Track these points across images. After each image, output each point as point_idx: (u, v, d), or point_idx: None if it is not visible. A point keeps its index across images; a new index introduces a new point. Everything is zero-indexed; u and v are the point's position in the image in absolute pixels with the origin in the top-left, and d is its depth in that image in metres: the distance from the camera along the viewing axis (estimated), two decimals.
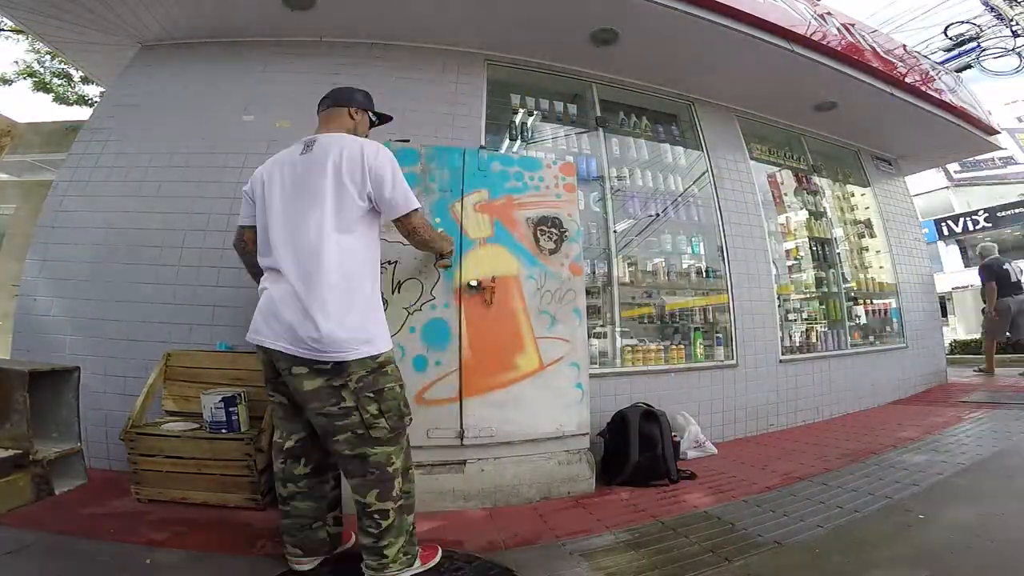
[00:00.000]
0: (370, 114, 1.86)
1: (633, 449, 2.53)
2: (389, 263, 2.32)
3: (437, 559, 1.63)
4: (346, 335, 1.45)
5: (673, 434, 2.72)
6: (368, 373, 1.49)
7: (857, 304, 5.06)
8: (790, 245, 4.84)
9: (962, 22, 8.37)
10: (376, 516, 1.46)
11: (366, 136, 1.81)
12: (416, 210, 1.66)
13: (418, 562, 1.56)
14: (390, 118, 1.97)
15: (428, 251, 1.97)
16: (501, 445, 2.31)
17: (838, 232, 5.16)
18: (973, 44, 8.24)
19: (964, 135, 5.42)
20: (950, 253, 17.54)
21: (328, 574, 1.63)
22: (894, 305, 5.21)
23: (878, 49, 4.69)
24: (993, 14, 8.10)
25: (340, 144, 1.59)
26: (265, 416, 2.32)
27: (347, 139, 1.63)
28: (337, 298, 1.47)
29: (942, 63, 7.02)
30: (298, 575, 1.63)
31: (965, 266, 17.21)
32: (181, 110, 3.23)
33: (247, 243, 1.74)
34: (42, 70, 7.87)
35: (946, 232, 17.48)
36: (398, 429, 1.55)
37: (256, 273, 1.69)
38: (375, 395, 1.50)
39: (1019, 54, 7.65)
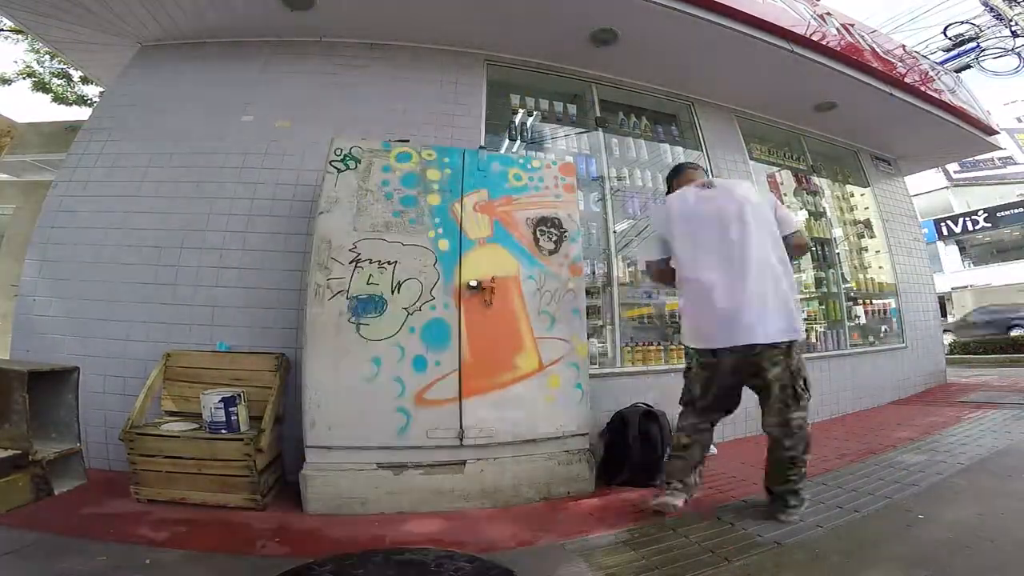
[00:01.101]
0: None
1: (633, 449, 2.53)
2: (388, 263, 2.32)
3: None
4: (797, 321, 1.98)
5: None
6: (799, 353, 1.98)
7: (856, 304, 5.06)
8: None
9: (961, 22, 8.38)
10: (802, 466, 1.95)
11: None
12: (797, 231, 2.20)
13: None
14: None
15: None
16: (501, 445, 2.31)
17: (838, 232, 5.16)
18: (972, 44, 8.24)
19: (963, 135, 5.43)
20: (949, 253, 17.58)
21: None
22: (893, 305, 5.21)
23: (877, 49, 4.69)
24: (992, 14, 8.11)
25: (739, 186, 2.23)
26: (265, 416, 2.32)
27: (737, 183, 2.32)
28: (785, 296, 1.98)
29: (941, 63, 7.03)
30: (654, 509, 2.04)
31: (964, 266, 17.26)
32: (180, 110, 3.23)
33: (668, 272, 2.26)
34: (41, 70, 7.86)
35: (945, 232, 17.52)
36: (809, 398, 1.99)
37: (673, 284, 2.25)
38: (803, 369, 1.98)
39: (1018, 54, 7.66)
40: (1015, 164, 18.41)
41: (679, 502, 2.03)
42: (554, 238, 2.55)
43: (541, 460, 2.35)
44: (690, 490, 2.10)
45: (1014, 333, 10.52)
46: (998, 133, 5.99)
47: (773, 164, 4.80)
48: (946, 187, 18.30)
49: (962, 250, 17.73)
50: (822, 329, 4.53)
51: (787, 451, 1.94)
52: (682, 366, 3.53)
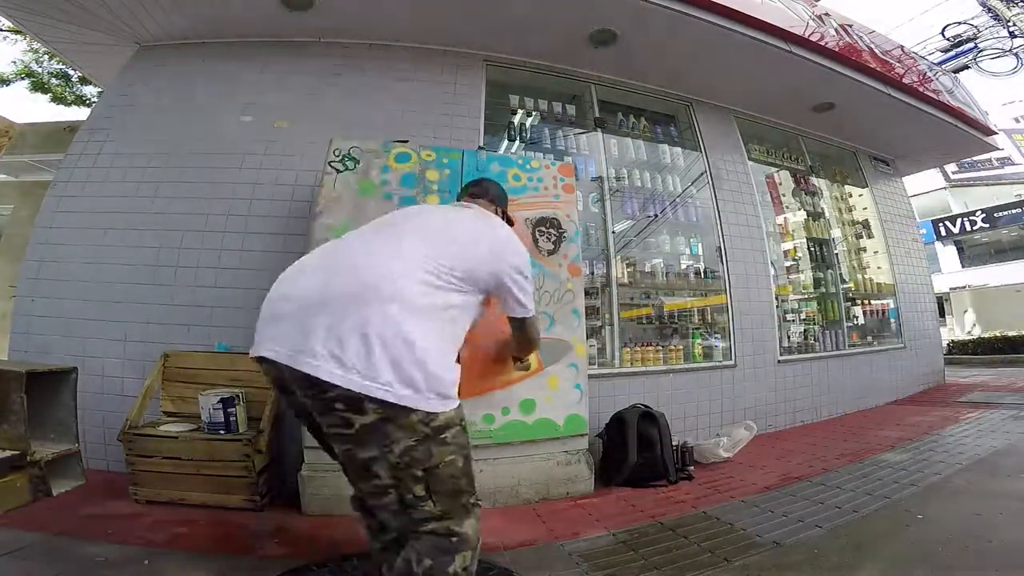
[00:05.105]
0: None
1: (631, 450, 2.54)
2: None
3: None
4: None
5: (678, 439, 2.72)
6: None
7: (855, 304, 5.06)
8: (788, 246, 4.84)
9: (959, 23, 8.40)
10: None
11: None
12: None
13: None
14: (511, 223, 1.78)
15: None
16: (499, 446, 2.31)
17: (836, 233, 5.17)
18: (970, 45, 8.27)
19: (961, 136, 5.44)
20: (948, 254, 17.58)
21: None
22: (892, 306, 5.22)
23: (876, 50, 4.70)
24: (990, 15, 8.14)
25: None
26: (263, 417, 2.32)
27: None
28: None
29: (940, 64, 7.05)
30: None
31: (963, 266, 17.28)
32: (179, 110, 3.23)
33: None
34: (40, 70, 7.84)
35: (944, 233, 17.52)
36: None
37: None
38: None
39: (1016, 55, 7.68)
40: (1013, 164, 18.43)
41: None
42: (553, 238, 2.55)
43: (540, 460, 2.35)
44: None
45: None
46: (996, 133, 6.01)
47: (771, 165, 4.81)
48: (944, 187, 18.32)
49: (960, 251, 17.75)
50: (821, 329, 4.54)
51: None
52: (682, 366, 3.59)
